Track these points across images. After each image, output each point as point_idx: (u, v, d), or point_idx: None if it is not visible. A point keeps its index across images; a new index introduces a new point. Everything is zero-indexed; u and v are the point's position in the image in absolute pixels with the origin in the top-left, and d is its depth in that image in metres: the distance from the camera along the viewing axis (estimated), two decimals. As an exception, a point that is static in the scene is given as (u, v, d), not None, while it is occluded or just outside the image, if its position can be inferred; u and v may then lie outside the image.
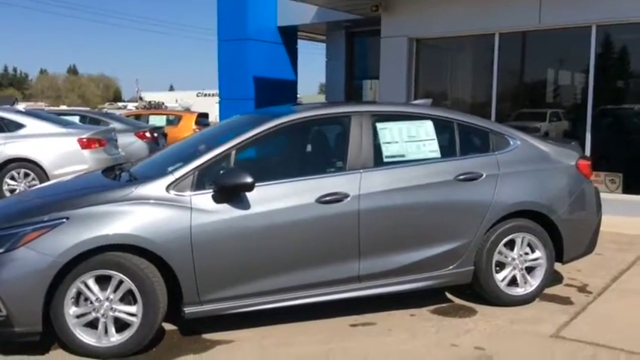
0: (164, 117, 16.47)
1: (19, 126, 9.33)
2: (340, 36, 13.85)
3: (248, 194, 3.85)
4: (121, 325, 3.70)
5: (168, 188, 3.79)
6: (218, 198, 3.82)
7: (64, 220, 3.60)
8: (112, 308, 3.67)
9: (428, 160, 4.42)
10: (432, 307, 4.55)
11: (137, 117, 16.51)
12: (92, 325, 3.68)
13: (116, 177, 4.26)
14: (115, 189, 3.88)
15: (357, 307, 4.42)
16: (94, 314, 3.66)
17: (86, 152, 9.25)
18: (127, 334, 3.68)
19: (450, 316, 4.40)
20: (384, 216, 4.17)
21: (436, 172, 4.37)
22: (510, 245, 4.53)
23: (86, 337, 3.66)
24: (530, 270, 4.60)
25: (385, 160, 4.33)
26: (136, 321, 3.68)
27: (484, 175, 4.44)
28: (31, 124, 9.39)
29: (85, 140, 9.33)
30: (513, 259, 4.53)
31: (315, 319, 4.27)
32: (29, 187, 8.79)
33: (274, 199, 3.95)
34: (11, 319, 3.51)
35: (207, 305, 3.85)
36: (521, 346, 3.87)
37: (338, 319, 4.29)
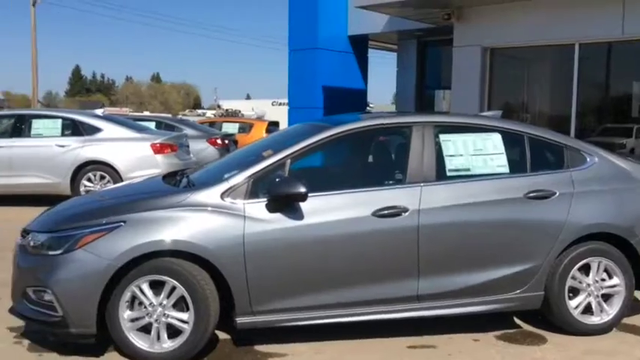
0: (237, 124, 16.79)
1: (97, 130, 9.69)
2: (412, 45, 13.65)
3: (302, 204, 3.76)
4: (173, 332, 3.68)
5: (223, 195, 3.76)
6: (271, 207, 3.74)
7: (122, 224, 3.63)
8: (164, 314, 3.66)
9: (495, 176, 4.17)
10: (498, 333, 4.28)
11: (211, 124, 16.90)
12: (145, 329, 3.68)
13: (175, 182, 4.28)
14: (172, 195, 3.88)
15: (417, 327, 4.22)
16: (147, 319, 3.66)
17: (158, 157, 9.50)
18: (178, 341, 3.66)
19: (517, 343, 4.12)
20: (445, 233, 3.96)
21: (504, 189, 4.12)
22: (585, 270, 4.20)
23: (139, 342, 3.66)
24: (607, 297, 4.25)
25: (448, 173, 4.13)
26: (187, 328, 3.65)
27: (557, 194, 4.14)
28: (108, 129, 9.73)
29: (157, 145, 9.58)
30: (588, 285, 4.20)
31: (371, 337, 4.11)
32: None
33: (329, 210, 3.83)
34: (67, 319, 3.56)
35: (259, 316, 3.77)
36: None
37: (395, 340, 4.11)
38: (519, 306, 4.15)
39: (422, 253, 3.91)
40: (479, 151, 4.22)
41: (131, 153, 9.43)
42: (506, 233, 4.06)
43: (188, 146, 10.70)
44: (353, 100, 13.40)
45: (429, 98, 13.93)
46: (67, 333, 3.60)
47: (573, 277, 4.16)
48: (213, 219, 3.69)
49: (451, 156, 4.17)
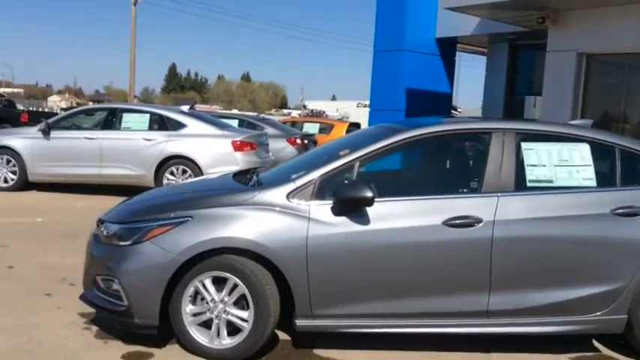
0: (317, 125, 16.85)
1: (182, 125, 9.98)
2: (503, 48, 13.13)
3: (369, 209, 3.64)
4: (233, 329, 3.67)
5: (288, 196, 3.70)
6: (337, 210, 3.65)
7: (189, 219, 3.66)
8: (225, 311, 3.65)
9: (580, 189, 3.87)
10: (572, 355, 3.98)
11: (293, 124, 17.04)
12: (206, 325, 3.70)
13: (244, 181, 4.28)
14: (239, 192, 3.88)
15: (485, 344, 3.99)
16: (208, 314, 3.67)
17: (238, 154, 9.64)
18: (237, 339, 3.65)
19: (593, 368, 3.82)
20: (521, 247, 3.71)
21: (589, 203, 3.82)
22: (677, 295, 3.82)
23: (199, 337, 3.68)
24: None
25: (529, 184, 3.87)
26: (247, 327, 3.63)
27: (648, 211, 3.79)
28: (192, 125, 10.00)
29: (238, 143, 9.73)
30: (679, 311, 3.82)
31: (436, 350, 3.92)
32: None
33: (397, 216, 3.69)
34: (132, 309, 3.63)
35: (319, 320, 3.69)
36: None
37: (461, 355, 3.91)
38: (599, 329, 3.83)
39: (494, 266, 3.69)
40: (564, 162, 3.94)
41: (212, 149, 9.63)
42: (588, 251, 3.75)
43: (268, 145, 10.81)
44: (437, 104, 13.07)
45: (519, 104, 13.36)
46: (131, 323, 3.68)
47: (663, 303, 3.79)
48: (278, 219, 3.65)
49: (533, 166, 3.91)
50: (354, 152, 3.86)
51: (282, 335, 4.05)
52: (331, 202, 3.67)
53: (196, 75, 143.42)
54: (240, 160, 9.48)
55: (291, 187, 3.74)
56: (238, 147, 9.68)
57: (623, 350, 4.02)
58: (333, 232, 3.63)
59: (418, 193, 3.87)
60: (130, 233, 3.72)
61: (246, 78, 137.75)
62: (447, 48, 13.49)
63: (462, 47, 14.05)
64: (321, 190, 3.72)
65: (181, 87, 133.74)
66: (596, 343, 4.18)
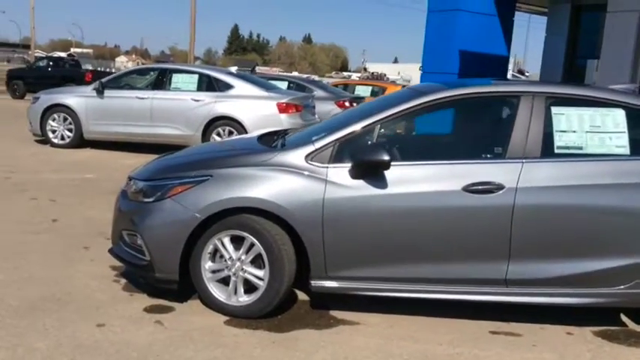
0: (369, 88, 16.62)
1: (229, 87, 10.08)
2: (564, 10, 12.47)
3: (387, 173, 3.59)
4: (249, 287, 3.76)
5: (307, 158, 3.70)
6: (354, 173, 3.62)
7: (209, 177, 3.72)
8: (242, 269, 3.73)
9: (612, 157, 3.69)
10: (596, 329, 3.86)
11: (345, 86, 16.88)
12: (224, 282, 3.79)
13: (270, 142, 4.30)
14: (259, 153, 3.90)
15: (505, 313, 3.93)
16: (226, 272, 3.76)
17: (283, 116, 9.68)
18: (253, 297, 3.73)
19: (616, 342, 3.69)
20: (544, 216, 3.59)
21: (620, 172, 3.63)
22: None
23: (217, 293, 3.79)
24: None
25: (557, 151, 3.71)
26: (262, 285, 3.70)
27: (685, 182, 3.58)
28: (239, 86, 10.08)
29: (283, 105, 9.76)
30: None
31: (451, 317, 3.89)
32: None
33: (415, 181, 3.63)
34: (153, 264, 3.76)
35: (334, 282, 3.71)
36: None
37: (478, 323, 3.86)
38: (624, 302, 3.69)
39: (515, 235, 3.59)
40: (596, 128, 3.74)
41: (258, 110, 9.70)
42: (616, 222, 3.59)
43: (314, 107, 10.78)
44: (492, 67, 12.56)
45: (580, 68, 12.73)
46: (153, 277, 3.81)
47: (695, 279, 3.60)
48: (295, 180, 3.66)
49: (562, 132, 3.74)
50: (375, 115, 3.81)
51: (302, 296, 4.11)
52: (349, 165, 3.65)
53: (258, 37, 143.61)
54: (284, 122, 9.51)
55: (310, 149, 3.73)
56: (283, 109, 9.71)
57: (652, 326, 3.87)
58: (349, 195, 3.62)
59: (439, 158, 3.79)
60: (153, 190, 3.83)
61: (307, 40, 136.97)
62: (506, 8, 12.88)
63: (522, 7, 13.42)
64: (339, 153, 3.70)
65: (243, 49, 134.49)
66: (623, 318, 4.03)
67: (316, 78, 32.54)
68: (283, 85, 13.25)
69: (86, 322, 3.53)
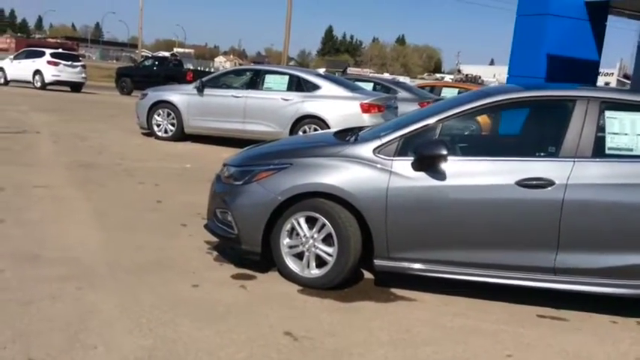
0: (456, 90, 16.73)
1: (316, 87, 10.74)
2: (660, 14, 12.13)
3: (446, 167, 4.02)
4: (320, 262, 4.30)
5: (375, 151, 4.20)
6: (416, 166, 4.08)
7: (289, 165, 4.31)
8: (314, 246, 4.28)
9: (661, 158, 3.92)
10: (643, 320, 4.10)
11: (432, 88, 17.12)
12: (299, 256, 4.36)
13: (344, 137, 4.82)
14: (333, 146, 4.45)
15: (556, 301, 4.24)
16: (301, 247, 4.33)
17: (365, 116, 10.19)
18: (323, 271, 4.27)
19: (660, 334, 3.93)
20: (591, 210, 3.89)
21: (668, 173, 3.86)
22: None
23: (293, 266, 4.36)
24: None
25: (607, 152, 4.00)
26: (331, 260, 4.24)
27: None
28: (326, 86, 10.71)
29: (366, 105, 10.28)
30: None
31: (503, 301, 4.26)
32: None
33: (473, 174, 4.04)
34: (240, 237, 4.40)
35: (395, 262, 4.19)
36: None
37: (527, 307, 4.20)
38: (667, 296, 3.91)
39: (563, 227, 3.91)
40: (647, 132, 3.99)
41: (342, 110, 10.28)
42: (661, 219, 3.83)
43: (397, 108, 11.21)
44: (581, 71, 12.44)
45: (675, 74, 12.33)
46: (239, 249, 4.45)
47: None
48: (363, 170, 4.17)
49: (614, 134, 4.02)
50: (438, 114, 4.25)
51: (367, 275, 4.62)
52: (412, 158, 4.11)
53: (351, 38, 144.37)
54: (367, 122, 9.94)
55: (377, 143, 4.23)
56: (366, 109, 10.23)
57: (701, 322, 4.05)
58: (411, 185, 4.08)
59: (495, 154, 4.17)
60: (242, 175, 4.47)
61: (401, 41, 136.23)
62: (598, 12, 12.70)
63: (615, 11, 13.13)
64: (404, 147, 4.17)
65: (336, 50, 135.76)
66: (673, 313, 4.23)
67: (405, 80, 32.76)
68: (369, 86, 13.75)
69: (183, 283, 4.22)
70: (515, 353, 3.50)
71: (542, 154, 4.16)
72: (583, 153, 3.97)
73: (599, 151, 3.99)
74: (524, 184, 3.94)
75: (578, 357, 3.51)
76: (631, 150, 3.98)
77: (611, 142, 4.01)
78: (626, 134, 4.00)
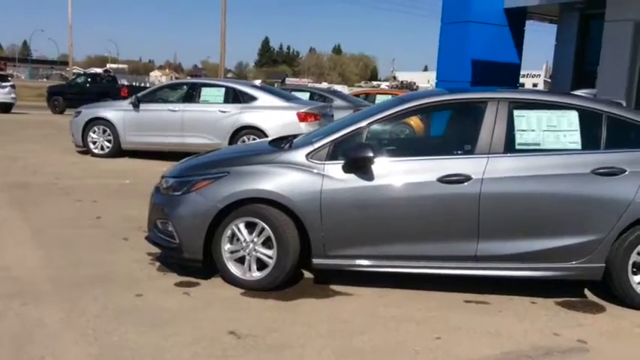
0: (390, 96, 17.26)
1: (253, 98, 10.93)
2: (573, 18, 12.99)
3: (374, 168, 4.31)
4: (261, 265, 4.50)
5: (307, 156, 4.45)
6: (346, 168, 4.35)
7: (226, 174, 4.50)
8: (255, 249, 4.48)
9: (564, 151, 4.35)
10: (559, 299, 4.50)
11: (366, 96, 17.60)
12: (240, 261, 4.54)
13: (279, 144, 5.05)
14: (268, 154, 4.67)
15: (479, 286, 4.59)
16: (242, 252, 4.51)
17: (302, 125, 10.44)
18: (264, 273, 4.47)
19: (574, 310, 4.33)
20: (506, 201, 4.26)
21: (571, 164, 4.29)
22: (655, 247, 4.23)
23: (235, 270, 4.54)
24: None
25: (517, 147, 4.39)
26: (271, 263, 4.44)
27: (627, 172, 4.21)
28: (262, 97, 10.93)
29: (302, 114, 10.55)
30: (656, 262, 4.24)
31: (431, 290, 4.58)
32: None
33: (398, 174, 4.35)
34: (181, 246, 4.55)
35: (331, 260, 4.44)
36: (628, 347, 3.72)
37: (454, 294, 4.53)
38: (578, 275, 4.33)
39: (482, 217, 4.27)
40: (552, 128, 4.41)
41: (279, 120, 10.50)
42: (568, 206, 4.24)
43: (332, 116, 11.53)
44: (504, 75, 13.16)
45: (589, 75, 13.17)
46: (181, 257, 4.60)
47: (639, 253, 4.23)
48: (298, 175, 4.40)
49: (522, 131, 4.42)
50: (364, 119, 4.54)
51: (307, 275, 4.85)
52: (342, 161, 4.38)
53: (288, 48, 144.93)
54: (304, 130, 10.20)
55: (309, 148, 4.48)
56: (303, 118, 10.50)
57: (608, 297, 4.48)
58: (342, 187, 4.35)
59: (420, 154, 4.51)
60: (181, 185, 4.62)
61: (337, 50, 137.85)
62: (517, 18, 13.48)
63: (532, 16, 13.97)
64: (334, 152, 4.44)
65: (274, 61, 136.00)
66: (586, 291, 4.66)
67: (343, 88, 33.34)
68: (306, 95, 14.05)
69: (127, 293, 4.32)
70: (443, 336, 3.81)
71: (460, 152, 4.51)
72: (496, 149, 4.35)
73: (510, 146, 4.38)
74: (445, 180, 4.28)
75: (499, 335, 3.85)
76: (538, 144, 4.38)
77: (520, 138, 4.40)
78: (533, 130, 4.41)
